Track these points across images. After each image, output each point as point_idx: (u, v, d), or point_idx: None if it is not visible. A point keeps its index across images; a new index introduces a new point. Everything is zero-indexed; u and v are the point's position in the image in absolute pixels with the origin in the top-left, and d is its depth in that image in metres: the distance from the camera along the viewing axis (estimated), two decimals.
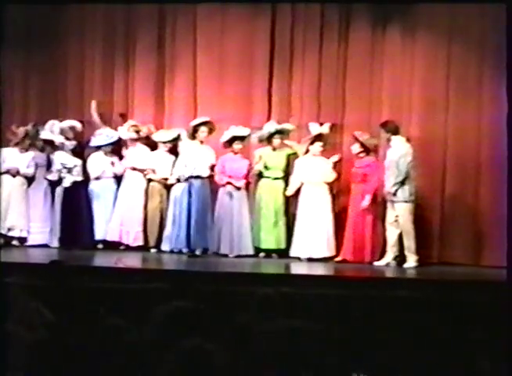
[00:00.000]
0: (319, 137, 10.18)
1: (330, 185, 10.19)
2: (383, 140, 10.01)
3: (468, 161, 10.17)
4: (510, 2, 8.08)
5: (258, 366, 3.62)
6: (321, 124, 10.28)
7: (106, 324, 3.88)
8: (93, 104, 10.79)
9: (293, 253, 10.01)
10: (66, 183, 10.47)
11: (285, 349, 3.63)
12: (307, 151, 10.19)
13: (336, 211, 10.30)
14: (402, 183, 9.56)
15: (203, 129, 10.23)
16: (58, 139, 10.54)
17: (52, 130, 10.57)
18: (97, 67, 11.11)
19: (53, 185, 10.63)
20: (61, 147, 10.56)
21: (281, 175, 10.27)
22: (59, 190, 10.54)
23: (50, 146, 10.66)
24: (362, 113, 10.46)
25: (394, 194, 9.59)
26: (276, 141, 10.25)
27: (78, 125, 10.70)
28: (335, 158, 10.21)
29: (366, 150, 9.99)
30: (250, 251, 10.15)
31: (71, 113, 10.86)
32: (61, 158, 10.52)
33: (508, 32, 8.11)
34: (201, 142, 10.26)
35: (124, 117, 10.89)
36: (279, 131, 10.25)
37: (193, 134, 10.26)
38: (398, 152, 9.64)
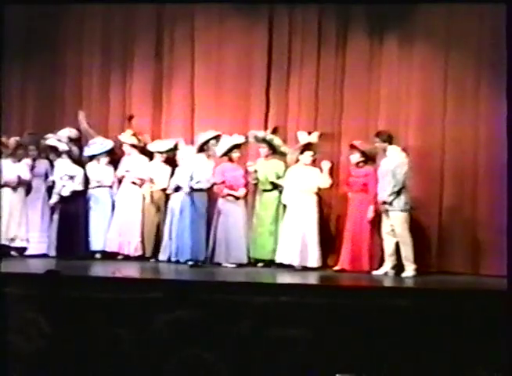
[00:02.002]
0: (308, 146, 10.15)
1: (324, 192, 10.12)
2: (378, 149, 9.99)
3: (466, 170, 10.17)
4: (510, 2, 8.06)
5: (257, 374, 3.61)
6: (309, 133, 10.24)
7: (105, 334, 3.87)
8: (80, 115, 10.75)
9: (278, 259, 9.96)
10: (66, 192, 10.44)
11: (282, 358, 3.62)
12: (297, 160, 10.17)
13: (333, 219, 10.31)
14: (398, 193, 9.56)
15: (213, 142, 10.17)
16: (63, 147, 10.52)
17: (59, 137, 10.56)
18: (95, 76, 11.12)
19: (51, 194, 10.59)
20: (67, 155, 10.55)
21: (270, 187, 10.20)
22: (57, 199, 10.50)
23: (54, 153, 10.63)
24: (359, 121, 10.46)
25: (390, 204, 9.58)
26: (263, 151, 10.21)
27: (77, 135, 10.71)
28: (327, 165, 10.06)
29: (367, 159, 9.96)
30: (244, 261, 10.12)
31: (68, 122, 10.84)
32: (64, 166, 10.49)
33: (508, 32, 8.09)
34: (208, 155, 10.18)
35: (131, 119, 10.85)
36: (266, 141, 10.21)
37: (202, 147, 10.17)
38: (394, 161, 9.64)
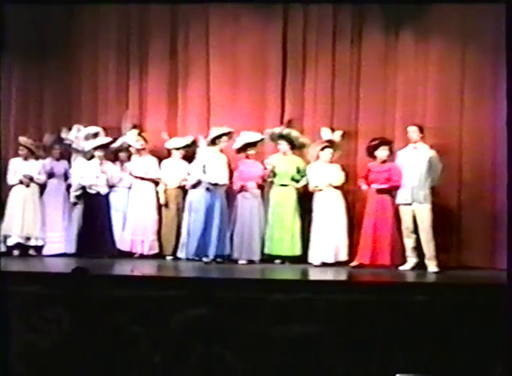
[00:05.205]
0: (329, 143, 10.12)
1: (341, 189, 10.10)
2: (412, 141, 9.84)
3: (484, 165, 10.11)
4: (510, 2, 8.00)
5: (275, 371, 3.61)
6: (332, 130, 10.21)
7: (125, 332, 3.87)
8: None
9: (310, 259, 9.95)
10: (92, 190, 10.43)
11: (301, 355, 3.61)
12: (317, 157, 10.15)
13: (351, 215, 10.27)
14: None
15: (225, 139, 10.16)
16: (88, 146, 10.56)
17: (77, 136, 10.58)
18: (111, 75, 11.13)
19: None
20: (83, 154, 10.57)
21: (289, 182, 10.20)
22: (76, 199, 10.51)
23: (76, 152, 10.64)
24: (375, 117, 10.43)
25: (419, 197, 9.54)
26: (282, 147, 10.20)
27: (101, 132, 10.68)
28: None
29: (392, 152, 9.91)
30: (258, 258, 10.09)
31: (85, 121, 10.84)
32: (86, 166, 10.50)
33: (508, 32, 8.03)
34: (221, 150, 10.19)
35: (135, 128, 10.86)
36: (284, 137, 10.21)
37: (213, 141, 10.18)
38: (426, 155, 9.62)
